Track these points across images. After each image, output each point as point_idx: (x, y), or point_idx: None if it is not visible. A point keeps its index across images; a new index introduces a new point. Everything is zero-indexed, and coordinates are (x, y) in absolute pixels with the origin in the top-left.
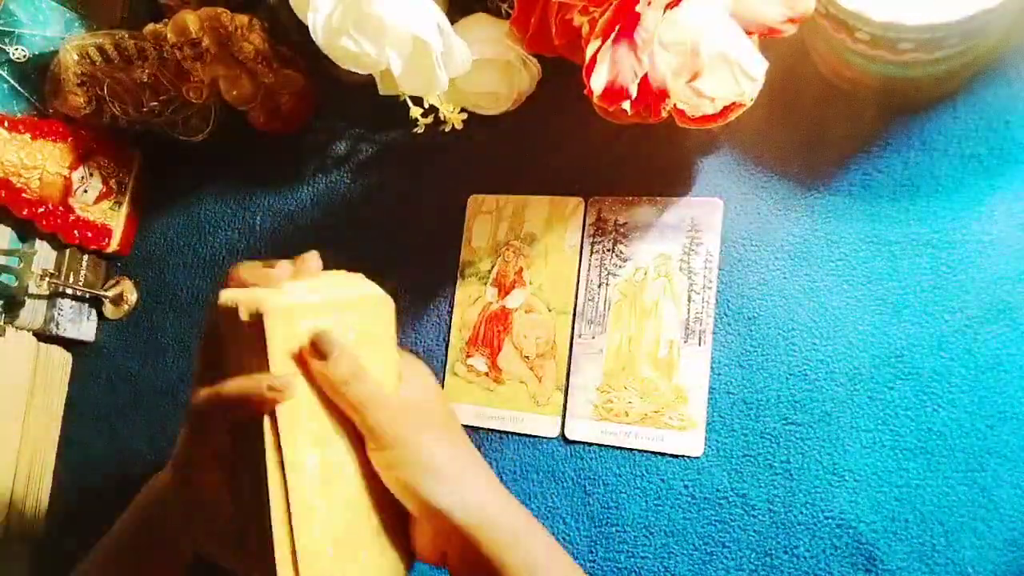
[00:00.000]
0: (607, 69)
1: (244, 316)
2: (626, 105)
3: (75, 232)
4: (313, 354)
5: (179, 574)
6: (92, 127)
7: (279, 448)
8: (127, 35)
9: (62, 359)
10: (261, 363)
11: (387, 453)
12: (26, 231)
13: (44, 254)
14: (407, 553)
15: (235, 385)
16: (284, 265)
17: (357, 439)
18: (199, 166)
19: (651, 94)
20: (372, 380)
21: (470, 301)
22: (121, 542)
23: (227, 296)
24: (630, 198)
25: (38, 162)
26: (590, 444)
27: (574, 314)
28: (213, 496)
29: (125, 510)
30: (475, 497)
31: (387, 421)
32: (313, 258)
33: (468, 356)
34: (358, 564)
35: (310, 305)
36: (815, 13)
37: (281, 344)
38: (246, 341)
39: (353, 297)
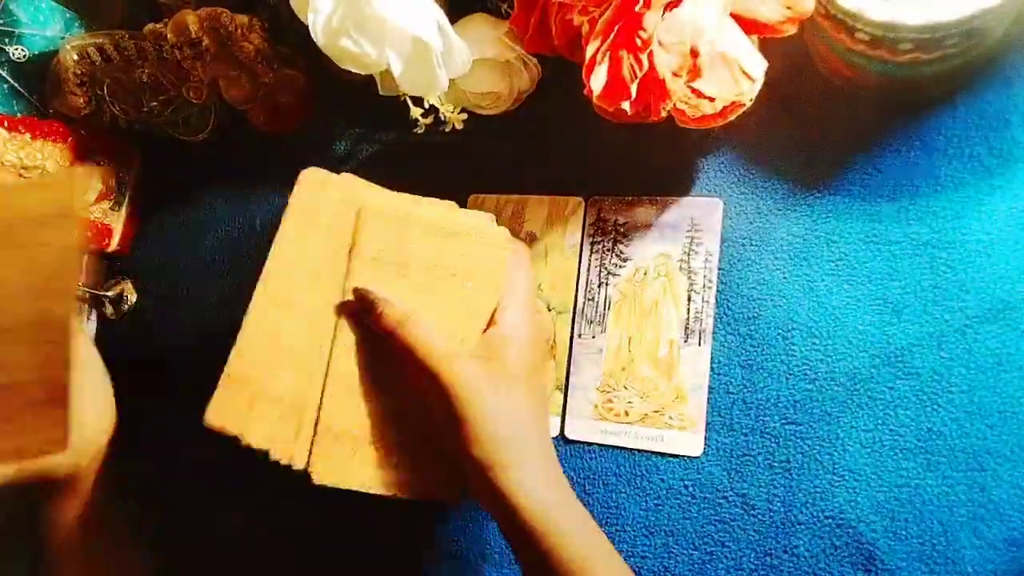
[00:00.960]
0: (607, 69)
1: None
2: (626, 105)
3: None
4: (360, 307)
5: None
6: (92, 127)
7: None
8: (127, 35)
9: None
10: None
11: (440, 402)
12: None
13: None
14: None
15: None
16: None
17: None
18: (199, 166)
19: (651, 94)
20: (427, 325)
21: None
22: None
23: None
24: (630, 198)
25: (38, 162)
26: (590, 444)
27: (574, 314)
28: None
29: None
30: (527, 478)
31: (444, 367)
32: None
33: None
34: (378, 453)
35: (401, 209)
36: (815, 13)
37: (307, 203)
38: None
39: (466, 221)
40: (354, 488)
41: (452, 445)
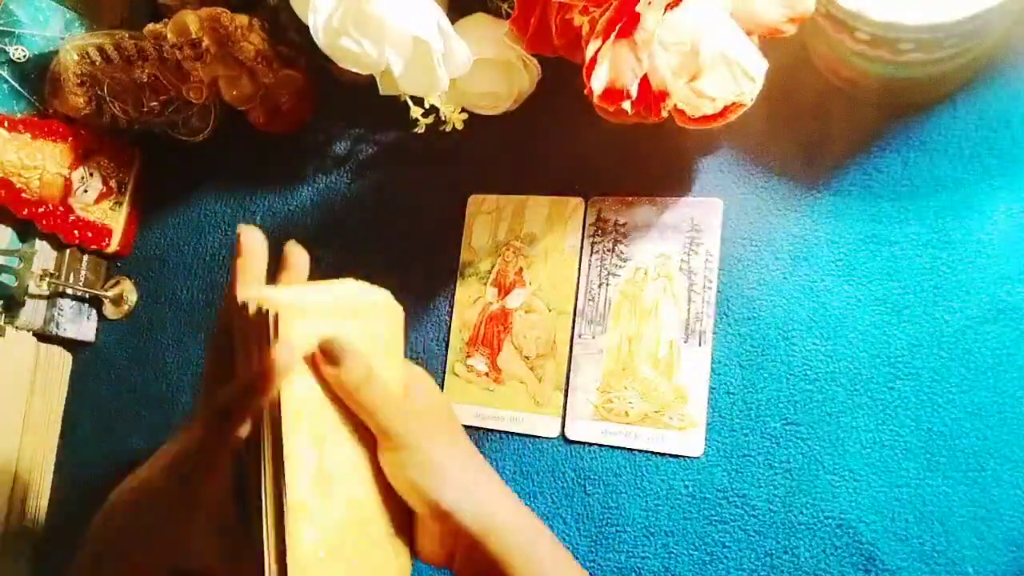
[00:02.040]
0: (607, 69)
1: (252, 311)
2: (626, 105)
3: (75, 232)
4: (325, 360)
5: None
6: (92, 127)
7: (278, 441)
8: (127, 35)
9: (62, 359)
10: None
11: (399, 454)
12: (26, 231)
13: (44, 254)
14: (409, 556)
15: (247, 376)
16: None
17: (367, 443)
18: (199, 166)
19: (651, 94)
20: (384, 384)
21: (470, 301)
22: (95, 553)
23: (241, 295)
24: (630, 198)
25: (38, 162)
26: (590, 444)
27: (574, 314)
28: (215, 497)
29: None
30: (484, 498)
31: (399, 423)
32: (295, 250)
33: (468, 356)
34: (350, 567)
35: (321, 306)
36: (815, 13)
37: (291, 341)
38: (256, 339)
39: (364, 303)
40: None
41: (422, 504)
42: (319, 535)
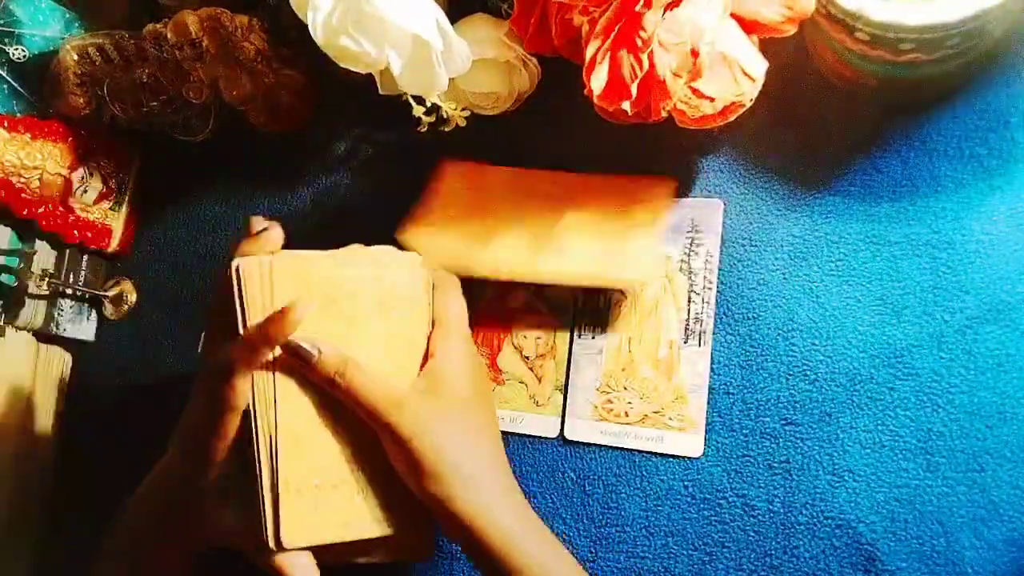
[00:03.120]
0: (607, 69)
1: (247, 266)
2: (626, 105)
3: (75, 232)
4: (292, 359)
5: (188, 564)
6: (92, 127)
7: (272, 385)
8: (127, 35)
9: (62, 359)
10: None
11: (391, 447)
12: (26, 231)
13: (44, 254)
14: (410, 510)
15: (244, 336)
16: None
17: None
18: (199, 166)
19: (651, 94)
20: (365, 370)
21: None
22: (131, 533)
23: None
24: None
25: (38, 162)
26: (590, 444)
27: (574, 314)
28: (220, 459)
29: (127, 502)
30: (486, 501)
31: (391, 414)
32: (266, 224)
33: None
34: (343, 497)
35: (320, 255)
36: (815, 13)
37: (258, 294)
38: (252, 294)
39: (379, 255)
40: (328, 540)
41: (413, 487)
42: (315, 466)
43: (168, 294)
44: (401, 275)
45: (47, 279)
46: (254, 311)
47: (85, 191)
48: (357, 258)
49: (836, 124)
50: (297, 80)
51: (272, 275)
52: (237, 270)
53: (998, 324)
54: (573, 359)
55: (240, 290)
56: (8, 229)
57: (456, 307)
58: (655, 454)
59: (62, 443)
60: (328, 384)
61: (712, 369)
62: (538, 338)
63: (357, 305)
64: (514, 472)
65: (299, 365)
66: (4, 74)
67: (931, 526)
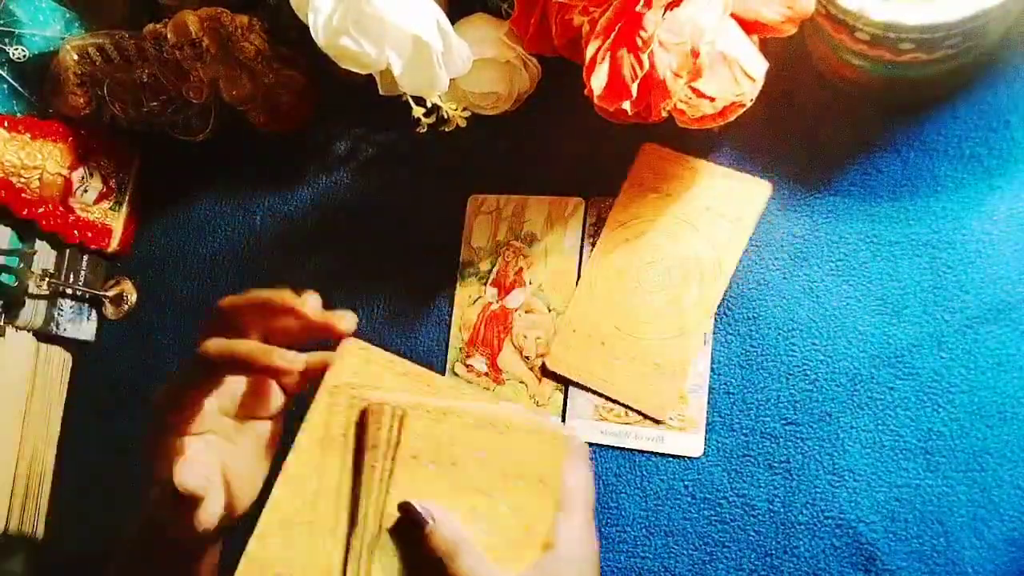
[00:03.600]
0: (607, 69)
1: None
2: (626, 105)
3: (75, 232)
4: (407, 521)
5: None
6: (92, 127)
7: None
8: (127, 35)
9: (62, 359)
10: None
11: None
12: (26, 231)
13: (44, 254)
14: None
15: (248, 346)
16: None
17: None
18: (199, 166)
19: (651, 94)
20: (475, 554)
21: (470, 301)
22: (140, 535)
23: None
24: None
25: (38, 162)
26: (590, 444)
27: None
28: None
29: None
30: None
31: None
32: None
33: (468, 356)
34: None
35: (441, 408)
36: (815, 13)
37: (383, 442)
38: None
39: (517, 416)
40: None
41: None
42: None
43: (168, 294)
44: (538, 450)
45: (47, 279)
46: (374, 454)
47: (85, 191)
48: (497, 417)
49: (836, 124)
50: (297, 80)
51: (403, 425)
52: (363, 413)
53: (998, 324)
54: None
55: (363, 428)
56: (8, 229)
57: (584, 485)
58: (655, 454)
59: (62, 443)
60: (434, 562)
61: (712, 369)
62: (538, 338)
63: (481, 475)
64: None
65: (410, 525)
66: (4, 74)
67: (931, 526)
